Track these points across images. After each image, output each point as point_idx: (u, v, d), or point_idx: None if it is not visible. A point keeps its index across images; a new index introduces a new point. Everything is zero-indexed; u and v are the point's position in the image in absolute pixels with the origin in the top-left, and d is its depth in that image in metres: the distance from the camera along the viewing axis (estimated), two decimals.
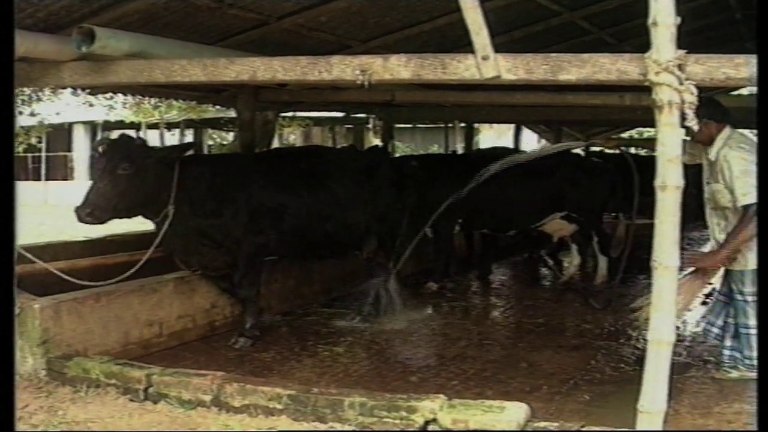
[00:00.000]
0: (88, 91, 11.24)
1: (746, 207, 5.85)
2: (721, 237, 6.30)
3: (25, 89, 17.18)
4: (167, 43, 6.49)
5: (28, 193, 28.86)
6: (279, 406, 5.55)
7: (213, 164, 8.35)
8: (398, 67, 5.33)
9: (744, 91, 13.13)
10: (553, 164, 11.11)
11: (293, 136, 28.35)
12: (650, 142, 7.51)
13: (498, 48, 5.04)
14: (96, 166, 7.21)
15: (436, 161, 12.25)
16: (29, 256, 6.94)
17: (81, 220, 7.03)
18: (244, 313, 8.03)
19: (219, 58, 6.07)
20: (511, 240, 12.85)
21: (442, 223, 10.69)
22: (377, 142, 18.27)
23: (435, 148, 24.99)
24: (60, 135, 32.83)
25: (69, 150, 34.77)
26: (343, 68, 5.48)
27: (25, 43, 5.79)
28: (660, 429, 4.68)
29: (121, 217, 7.28)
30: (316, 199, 8.25)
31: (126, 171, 7.08)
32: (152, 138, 27.14)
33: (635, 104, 8.31)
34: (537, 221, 11.03)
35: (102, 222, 7.14)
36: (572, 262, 11.43)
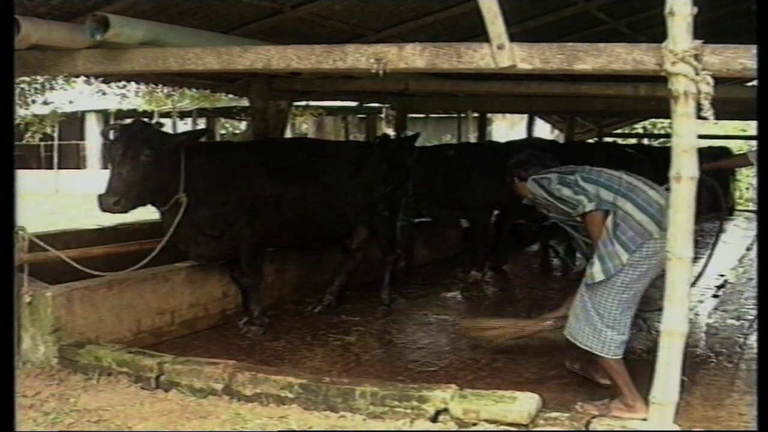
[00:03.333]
0: (101, 79, 11.25)
1: None
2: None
3: (39, 77, 17.20)
4: (181, 32, 6.48)
5: (40, 182, 29.01)
6: (290, 395, 5.56)
7: (217, 152, 8.28)
8: (413, 56, 5.32)
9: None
10: (587, 153, 11.15)
11: (306, 126, 28.36)
12: None
13: (512, 38, 5.02)
14: (113, 153, 6.98)
15: (474, 150, 12.27)
16: (41, 244, 6.94)
17: (106, 209, 6.82)
18: (249, 302, 8.05)
19: (233, 46, 6.06)
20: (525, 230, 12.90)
21: (481, 213, 10.79)
22: (390, 131, 18.25)
23: (448, 138, 24.95)
24: (73, 124, 32.86)
25: (82, 139, 34.79)
26: (357, 57, 5.46)
27: (38, 31, 5.79)
28: (671, 420, 4.68)
29: (140, 206, 7.13)
30: (310, 189, 8.28)
31: (149, 157, 6.91)
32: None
33: (650, 95, 8.27)
34: None
35: (126, 211, 6.96)
36: None
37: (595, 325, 5.53)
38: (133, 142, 6.96)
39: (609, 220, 5.59)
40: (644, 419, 5.07)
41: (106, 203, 6.80)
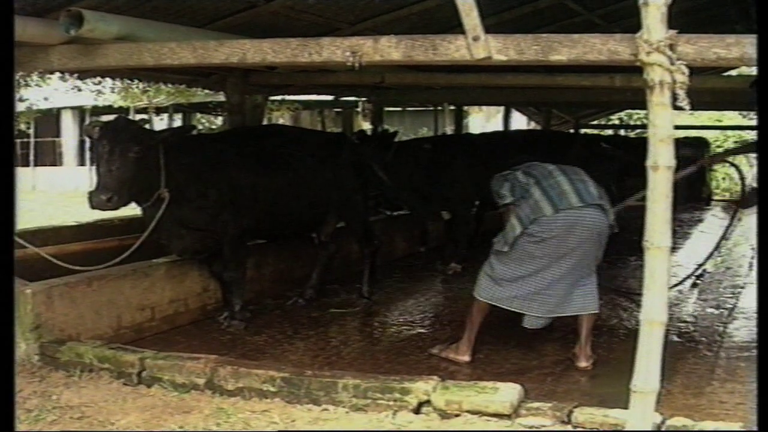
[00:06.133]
0: (76, 75, 11.20)
1: None
2: None
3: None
4: (156, 26, 6.47)
5: (17, 179, 28.78)
6: (273, 389, 5.57)
7: (194, 145, 8.17)
8: (389, 49, 5.32)
9: (733, 72, 13.18)
10: (564, 145, 11.24)
11: (282, 120, 28.29)
12: None
13: (487, 29, 5.03)
14: (100, 150, 6.93)
15: (451, 143, 12.34)
16: (20, 241, 6.89)
17: (99, 206, 6.83)
18: (232, 296, 8.02)
19: (208, 40, 6.06)
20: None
21: (462, 205, 10.85)
22: (367, 125, 18.24)
23: (424, 131, 24.98)
24: (48, 120, 32.71)
25: (57, 136, 34.62)
26: (333, 50, 5.47)
27: None
28: (653, 408, 4.71)
29: (129, 203, 7.14)
30: (288, 179, 8.32)
31: (137, 154, 6.92)
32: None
33: (625, 85, 8.31)
34: None
35: (117, 208, 6.98)
36: None
37: (482, 274, 6.83)
38: (121, 139, 6.94)
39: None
40: (466, 360, 6.80)
41: (98, 201, 6.79)
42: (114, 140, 6.93)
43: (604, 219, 6.59)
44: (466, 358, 6.82)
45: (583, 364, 6.57)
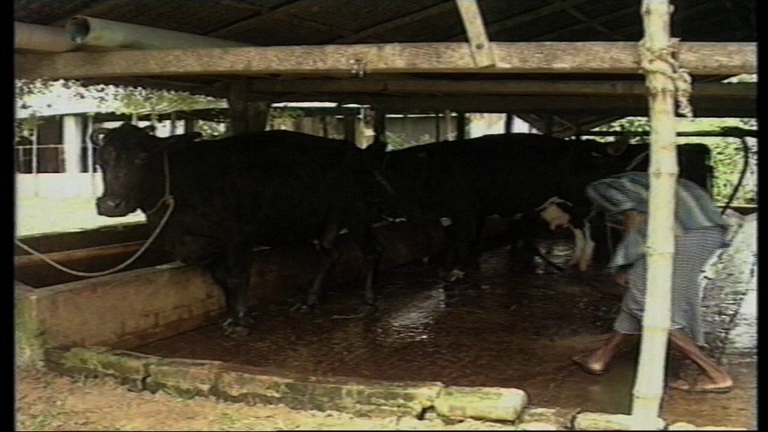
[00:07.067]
0: (79, 82, 11.24)
1: None
2: None
3: (17, 81, 17.12)
4: (161, 34, 6.50)
5: (19, 186, 28.75)
6: (277, 395, 5.58)
7: (198, 152, 8.07)
8: (393, 56, 5.35)
9: (734, 80, 13.19)
10: (558, 150, 11.29)
11: (284, 127, 28.31)
12: None
13: (490, 37, 5.06)
14: (107, 157, 6.94)
15: (447, 149, 12.37)
16: (25, 247, 6.94)
17: (106, 212, 6.83)
18: (235, 302, 8.03)
19: (213, 48, 6.08)
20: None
21: (462, 210, 10.88)
22: (369, 132, 18.26)
23: (426, 138, 24.97)
24: (51, 127, 32.70)
25: (60, 142, 34.65)
26: (337, 57, 5.49)
27: (19, 35, 5.76)
28: (656, 414, 4.73)
29: (136, 209, 7.14)
30: (291, 185, 8.35)
31: (143, 161, 6.94)
32: None
33: (627, 93, 8.32)
34: (539, 204, 11.22)
35: (125, 214, 6.99)
36: (579, 246, 11.47)
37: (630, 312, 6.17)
38: (128, 145, 6.96)
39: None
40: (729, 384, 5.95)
41: (106, 206, 6.80)
42: (121, 147, 6.95)
43: (720, 240, 6.32)
44: (728, 382, 6.04)
45: (596, 366, 6.51)
